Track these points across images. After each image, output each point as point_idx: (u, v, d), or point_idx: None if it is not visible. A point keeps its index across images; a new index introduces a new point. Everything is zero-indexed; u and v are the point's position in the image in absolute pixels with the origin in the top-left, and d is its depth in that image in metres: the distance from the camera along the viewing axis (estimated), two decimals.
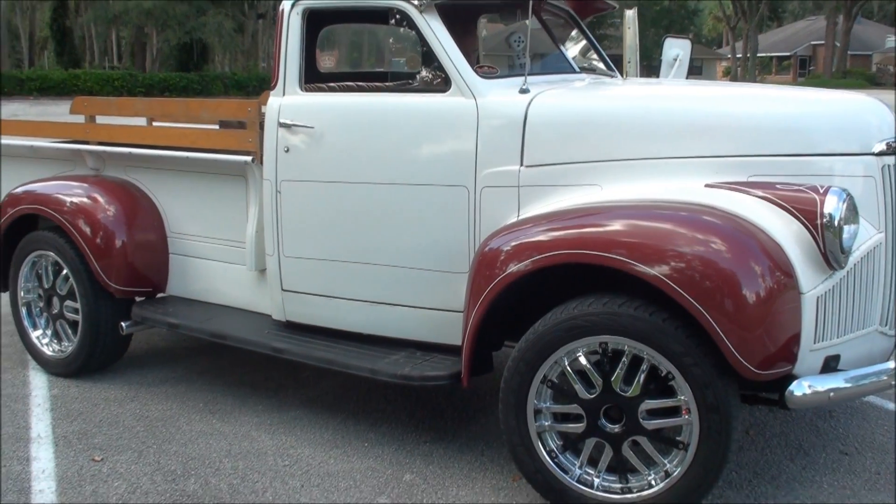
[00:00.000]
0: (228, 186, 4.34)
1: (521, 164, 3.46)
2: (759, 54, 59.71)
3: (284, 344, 3.93)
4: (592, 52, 4.61)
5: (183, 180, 4.53)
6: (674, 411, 3.00)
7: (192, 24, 43.48)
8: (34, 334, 4.89)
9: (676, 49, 4.76)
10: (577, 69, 4.42)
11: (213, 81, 42.43)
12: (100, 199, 4.57)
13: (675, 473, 3.03)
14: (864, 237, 3.13)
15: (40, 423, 4.18)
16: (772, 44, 67.48)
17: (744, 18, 57.42)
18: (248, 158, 4.12)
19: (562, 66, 4.37)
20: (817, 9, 64.19)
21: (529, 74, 3.63)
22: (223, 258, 4.43)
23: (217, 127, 4.70)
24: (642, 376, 3.00)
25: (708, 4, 72.84)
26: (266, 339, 3.99)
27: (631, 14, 4.61)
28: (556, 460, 3.22)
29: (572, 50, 4.58)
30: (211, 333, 4.18)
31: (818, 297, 2.94)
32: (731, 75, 58.68)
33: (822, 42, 59.36)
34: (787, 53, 66.98)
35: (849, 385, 2.99)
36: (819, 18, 63.09)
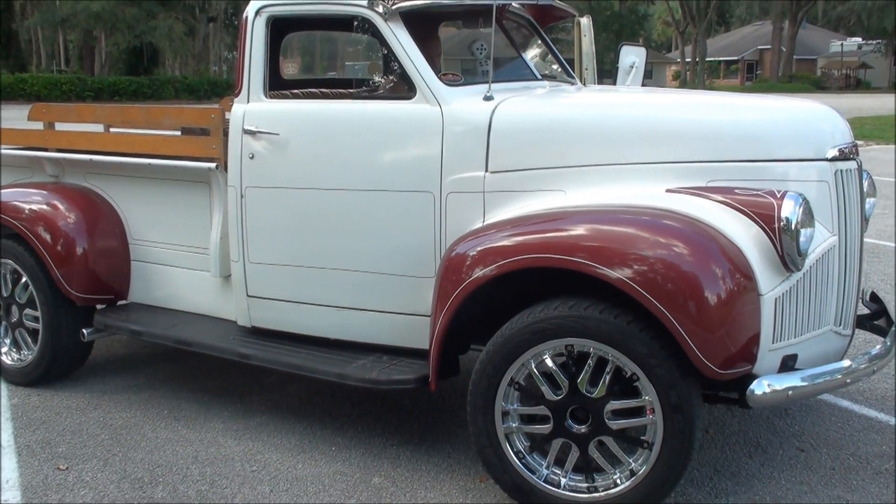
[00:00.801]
0: (191, 193, 4.33)
1: (486, 171, 3.51)
2: (707, 59, 60.63)
3: (251, 350, 3.93)
4: (552, 58, 4.68)
5: (144, 187, 4.51)
6: (638, 411, 3.07)
7: (142, 28, 43.05)
8: None
9: (633, 56, 4.85)
10: (539, 76, 4.49)
11: (164, 85, 41.99)
12: (60, 206, 4.54)
13: (641, 472, 3.10)
14: (819, 240, 3.24)
15: (2, 433, 4.14)
16: (720, 48, 68.56)
17: (692, 23, 58.30)
18: (212, 165, 4.12)
19: (523, 73, 4.44)
20: (764, 14, 65.34)
21: (493, 81, 3.68)
22: (186, 264, 4.42)
23: (179, 133, 4.69)
24: (608, 377, 3.07)
25: (657, 9, 73.76)
26: (232, 345, 4.00)
27: (586, 22, 4.69)
28: (523, 461, 3.27)
29: (532, 57, 4.65)
30: (176, 340, 4.17)
31: (776, 299, 3.03)
32: (681, 79, 59.51)
33: (769, 47, 60.50)
34: (735, 58, 68.10)
35: (806, 384, 3.08)
36: (765, 24, 64.28)
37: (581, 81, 4.78)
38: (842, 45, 62.33)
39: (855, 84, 60.96)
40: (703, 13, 57.24)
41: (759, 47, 65.97)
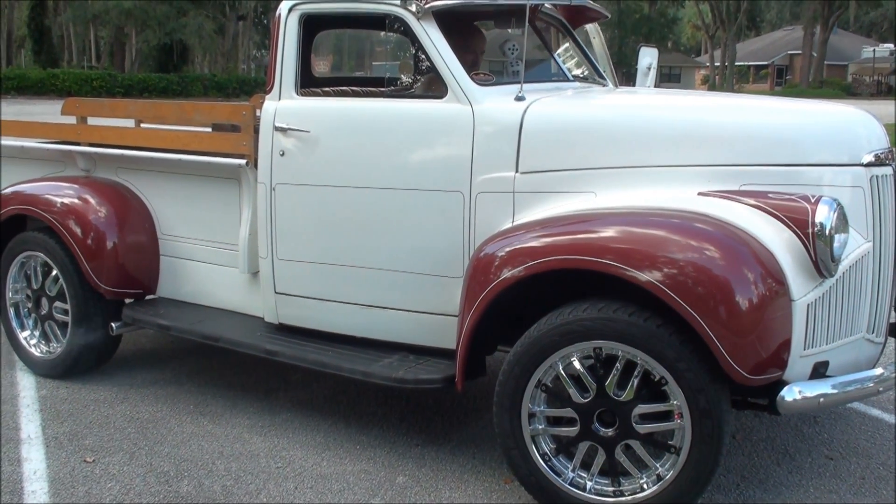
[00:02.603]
0: (221, 189, 4.35)
1: (517, 171, 3.50)
2: (736, 63, 60.22)
3: (277, 346, 3.94)
4: (583, 59, 4.66)
5: (174, 182, 4.54)
6: (666, 416, 3.05)
7: (173, 25, 43.31)
8: (22, 335, 4.87)
9: (648, 58, 4.84)
10: (570, 77, 4.48)
11: (193, 83, 42.30)
12: (91, 200, 4.57)
13: (667, 477, 3.08)
14: (853, 246, 3.20)
15: (30, 425, 4.18)
16: (750, 52, 68.07)
17: (722, 27, 57.91)
18: (243, 161, 4.13)
19: (555, 74, 4.43)
20: (795, 19, 64.81)
21: (525, 82, 3.67)
22: (215, 260, 4.44)
23: (209, 130, 4.71)
24: (636, 381, 3.05)
25: (687, 13, 73.36)
26: (259, 342, 4.01)
27: (592, 27, 4.68)
28: (549, 463, 3.26)
29: (564, 58, 4.63)
30: (203, 335, 4.19)
31: (808, 305, 3.00)
32: (710, 83, 59.14)
33: (800, 52, 59.94)
34: (765, 62, 67.60)
35: (837, 391, 3.05)
36: (796, 28, 63.72)
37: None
38: (874, 50, 61.63)
39: (886, 90, 60.21)
40: (734, 17, 56.86)
41: (790, 52, 65.41)
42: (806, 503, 3.45)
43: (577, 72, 4.61)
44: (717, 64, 60.58)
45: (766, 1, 65.66)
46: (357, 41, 5.62)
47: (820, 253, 2.97)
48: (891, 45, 60.21)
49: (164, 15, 42.92)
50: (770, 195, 3.13)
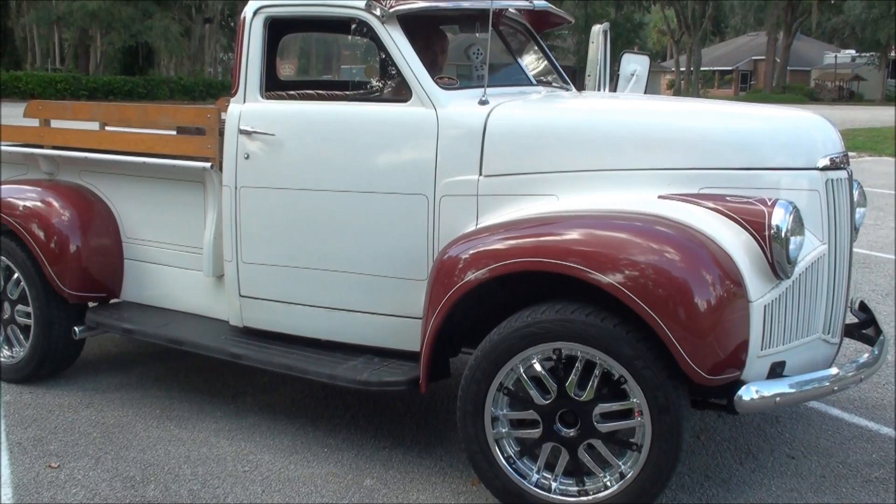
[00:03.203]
0: (186, 192, 4.34)
1: (480, 174, 3.53)
2: (702, 68, 60.81)
3: (242, 350, 3.95)
4: (548, 64, 4.70)
5: (139, 185, 4.52)
6: (627, 414, 3.09)
7: (138, 27, 42.98)
8: None
9: (634, 64, 4.87)
10: (534, 81, 4.52)
11: (159, 85, 41.98)
12: (54, 203, 4.55)
13: (630, 474, 3.12)
14: (809, 248, 3.27)
15: None
16: (714, 58, 68.77)
17: (688, 33, 58.47)
18: (208, 165, 4.13)
19: (519, 79, 4.47)
20: (758, 24, 65.55)
21: (489, 86, 3.71)
22: (179, 264, 4.43)
23: (174, 133, 4.70)
24: (595, 381, 3.09)
25: (653, 18, 73.95)
26: (224, 345, 4.01)
27: (597, 29, 4.71)
28: (513, 466, 3.29)
29: (528, 63, 4.67)
30: (168, 339, 4.18)
31: (765, 306, 3.06)
32: (675, 88, 59.63)
33: (763, 57, 60.71)
34: (730, 68, 68.32)
35: (794, 390, 3.10)
36: (760, 34, 64.49)
37: (584, 88, 4.80)
38: (836, 56, 62.58)
39: (848, 96, 61.22)
40: (699, 22, 57.43)
41: (754, 58, 66.21)
42: (768, 502, 3.51)
43: (541, 76, 4.64)
44: (682, 69, 61.14)
45: (730, 6, 66.35)
46: (325, 45, 5.62)
47: (776, 255, 3.03)
48: (852, 52, 61.19)
49: (129, 17, 42.56)
50: (728, 198, 3.19)
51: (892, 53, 59.56)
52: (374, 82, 3.84)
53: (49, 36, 52.41)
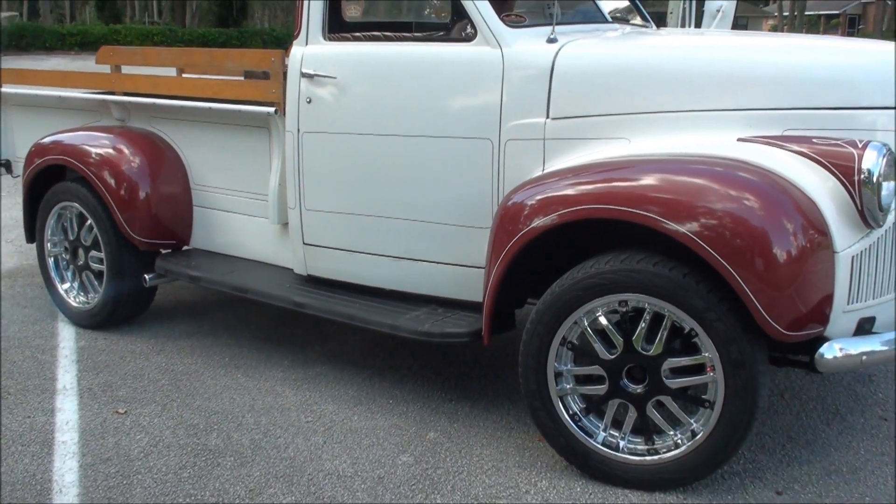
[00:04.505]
0: (252, 138, 4.27)
1: (547, 117, 3.35)
2: (806, 12, 58.33)
3: (305, 298, 3.88)
4: (627, 1, 4.45)
5: (207, 132, 4.47)
6: (698, 369, 2.91)
7: None
8: (62, 287, 4.90)
9: (720, 0, 4.59)
10: (609, 19, 4.28)
11: (252, 38, 42.35)
12: (124, 150, 4.54)
13: (702, 433, 2.95)
14: None
15: (66, 375, 4.19)
16: (820, 2, 65.88)
17: None
18: (272, 110, 4.05)
19: (593, 16, 4.23)
20: None
21: (560, 24, 3.50)
22: (246, 211, 4.38)
23: (242, 78, 4.63)
24: (664, 334, 2.91)
25: None
26: (287, 294, 3.95)
27: None
28: (579, 423, 3.15)
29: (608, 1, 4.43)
30: (232, 287, 4.15)
31: (853, 257, 2.82)
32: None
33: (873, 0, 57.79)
34: (836, 11, 65.34)
35: (884, 348, 2.87)
36: None
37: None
38: None
39: None
40: None
41: (863, 0, 63.16)
42: (855, 466, 3.29)
43: (621, 14, 4.40)
44: (785, 14, 58.76)
45: None
46: None
47: (866, 201, 2.78)
48: None
49: None
50: (814, 140, 2.94)
51: None
52: (441, 22, 3.67)
53: None
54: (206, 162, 4.52)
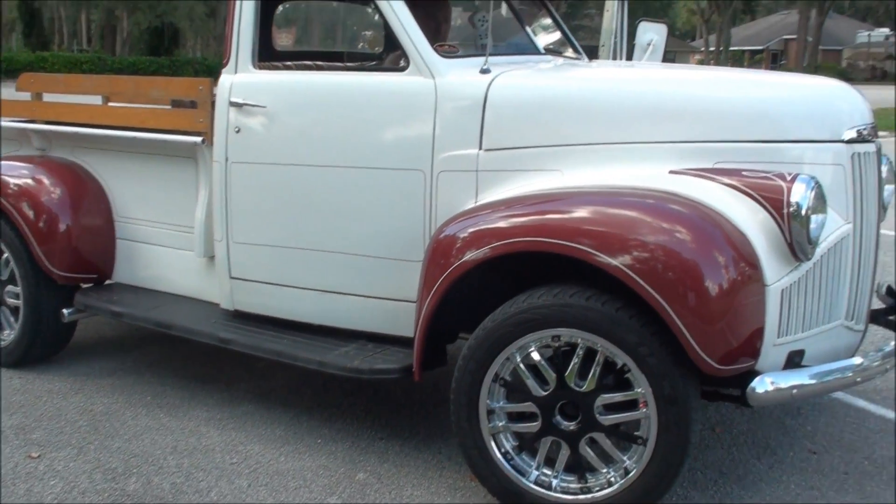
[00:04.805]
0: (178, 169, 4.16)
1: (480, 148, 3.31)
2: (731, 48, 59.98)
3: (232, 334, 3.76)
4: (559, 33, 4.46)
5: (132, 162, 4.34)
6: (631, 405, 2.87)
7: (163, 8, 42.97)
8: None
9: (651, 33, 4.63)
10: (543, 51, 4.28)
11: (184, 66, 41.96)
12: (44, 180, 4.38)
13: (635, 470, 2.90)
14: (832, 228, 3.01)
15: None
16: (745, 37, 67.75)
17: (717, 12, 57.66)
18: (199, 139, 3.94)
19: (526, 48, 4.23)
20: (790, 2, 64.45)
21: (493, 55, 3.48)
22: (172, 244, 4.25)
23: (169, 107, 4.51)
24: (597, 369, 2.87)
25: None
26: (213, 330, 3.82)
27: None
28: (511, 462, 3.08)
29: (539, 31, 4.44)
30: (156, 323, 4.01)
31: (783, 290, 2.82)
32: None
33: (795, 36, 59.62)
34: (760, 47, 67.26)
35: (813, 381, 2.86)
36: (792, 13, 63.36)
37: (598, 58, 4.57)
38: (869, 35, 61.35)
39: (881, 76, 59.95)
40: (729, 1, 56.55)
41: (785, 37, 65.06)
42: (786, 500, 3.28)
43: (552, 46, 4.41)
44: (711, 49, 60.30)
45: None
46: (327, 14, 5.40)
47: (795, 234, 2.79)
48: (886, 30, 60.01)
49: None
50: (745, 173, 2.94)
51: None
52: (374, 52, 3.62)
53: (76, 17, 52.62)
54: (131, 193, 4.38)
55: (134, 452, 3.65)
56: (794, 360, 2.91)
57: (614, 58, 4.53)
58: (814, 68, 53.28)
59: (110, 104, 4.76)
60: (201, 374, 4.54)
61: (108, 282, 4.54)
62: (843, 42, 64.66)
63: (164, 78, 4.42)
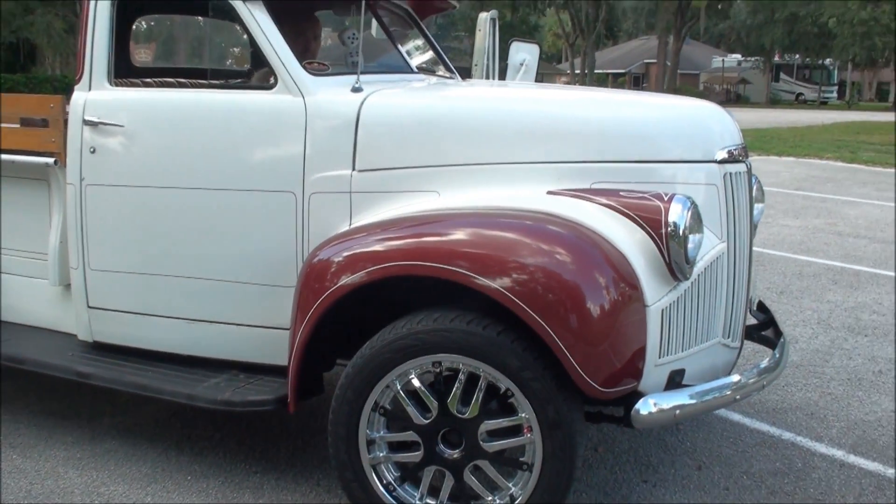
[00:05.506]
0: (29, 191, 3.89)
1: (354, 169, 3.20)
2: (596, 71, 61.75)
3: (91, 368, 3.52)
4: (432, 53, 4.40)
5: None
6: (515, 431, 2.80)
7: (19, 24, 41.08)
8: None
9: (523, 53, 4.62)
10: (415, 69, 4.21)
11: (42, 84, 40.08)
12: None
13: (521, 497, 2.83)
14: (708, 247, 3.03)
15: None
16: (608, 61, 69.93)
17: (582, 36, 59.26)
18: (51, 160, 3.69)
19: (399, 66, 4.15)
20: (650, 29, 66.97)
21: (365, 73, 3.38)
22: (23, 272, 3.97)
23: (17, 125, 4.21)
24: (480, 395, 2.79)
25: (548, 21, 74.78)
26: (70, 363, 3.57)
27: (484, 17, 4.44)
28: (393, 494, 2.97)
29: (411, 51, 4.36)
30: (7, 357, 3.72)
31: (663, 310, 2.81)
32: None
33: (655, 61, 61.97)
34: (623, 70, 69.56)
35: (694, 401, 2.85)
36: (651, 38, 65.87)
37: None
38: (723, 60, 64.35)
39: (735, 98, 62.97)
40: (592, 26, 58.25)
41: (646, 61, 67.54)
42: None
43: (424, 65, 4.34)
44: (577, 71, 61.95)
45: (623, 9, 67.66)
46: (190, 29, 5.19)
47: (674, 254, 2.78)
48: (738, 56, 63.16)
49: (9, 12, 40.59)
50: (622, 193, 2.93)
51: (776, 58, 61.74)
52: (239, 69, 3.46)
53: None
54: None
55: None
56: (675, 380, 2.91)
57: (487, 77, 4.48)
58: (673, 90, 55.45)
59: None
60: (59, 409, 4.25)
61: None
62: (699, 66, 67.55)
63: (12, 95, 4.11)
